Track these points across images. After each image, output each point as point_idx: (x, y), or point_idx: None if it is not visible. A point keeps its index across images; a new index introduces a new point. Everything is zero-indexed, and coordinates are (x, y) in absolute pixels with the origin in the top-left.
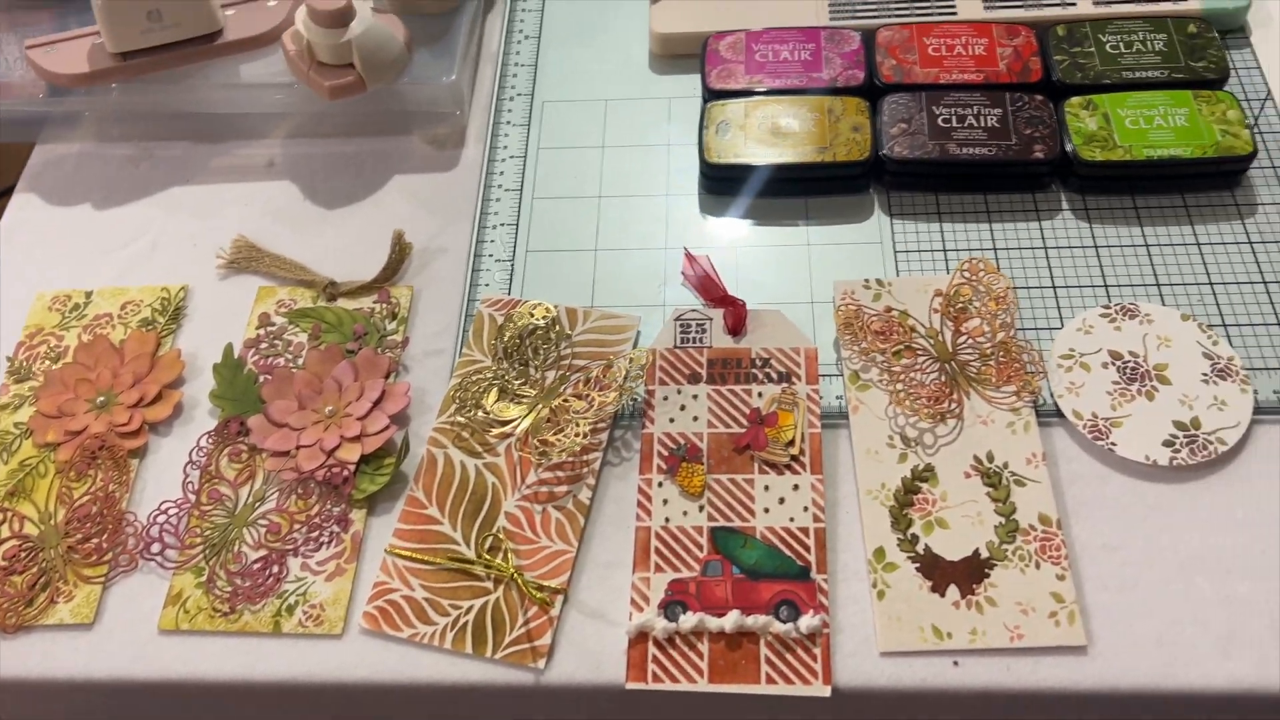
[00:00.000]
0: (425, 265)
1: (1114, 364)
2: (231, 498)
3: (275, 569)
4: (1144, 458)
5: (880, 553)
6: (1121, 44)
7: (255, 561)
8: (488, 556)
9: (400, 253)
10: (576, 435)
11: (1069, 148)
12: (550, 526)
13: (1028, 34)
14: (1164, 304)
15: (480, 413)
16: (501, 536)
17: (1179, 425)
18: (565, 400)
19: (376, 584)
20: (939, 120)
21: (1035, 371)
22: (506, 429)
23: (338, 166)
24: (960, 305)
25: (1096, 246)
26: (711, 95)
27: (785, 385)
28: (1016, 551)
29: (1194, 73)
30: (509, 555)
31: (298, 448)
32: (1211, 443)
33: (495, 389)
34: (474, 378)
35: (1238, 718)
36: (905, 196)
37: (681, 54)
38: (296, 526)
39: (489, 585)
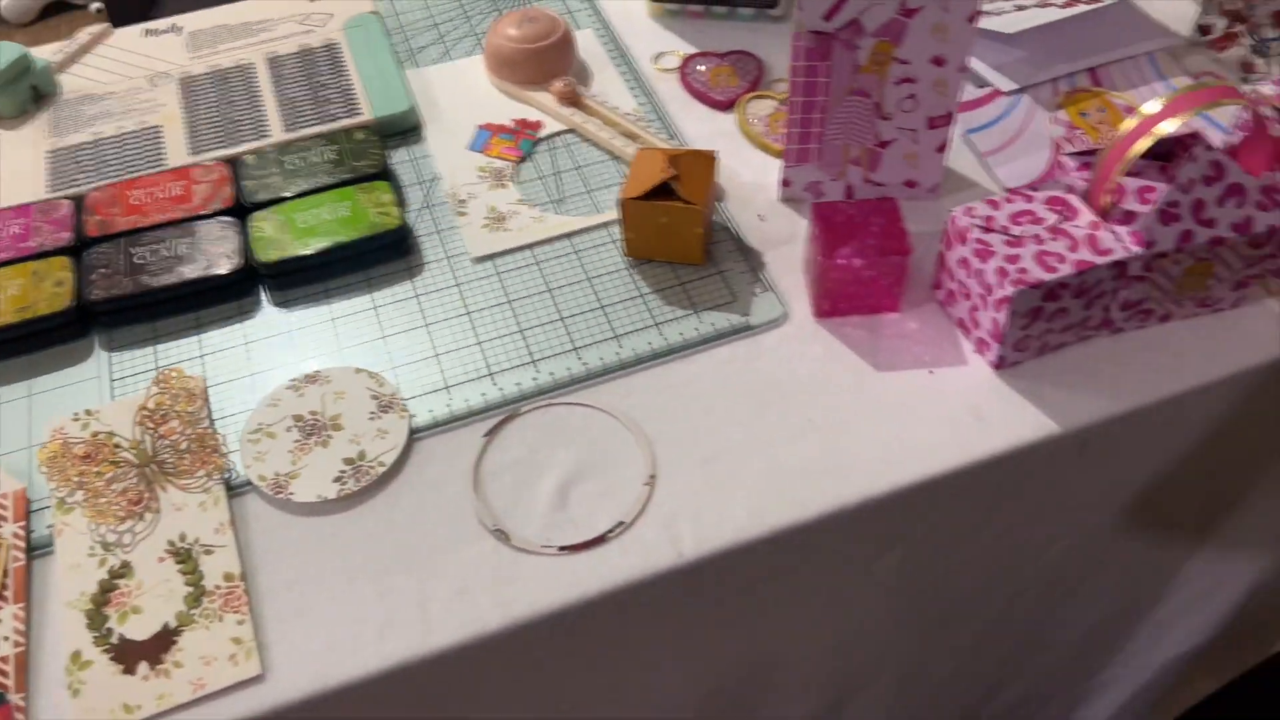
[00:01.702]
0: None
1: (296, 426)
2: None
3: None
4: (316, 497)
5: (76, 655)
6: (300, 161)
7: None
8: None
9: None
10: None
11: (252, 255)
12: None
13: (223, 168)
14: (344, 364)
15: None
16: None
17: (348, 461)
18: None
19: None
20: (135, 259)
21: (224, 453)
22: None
23: None
24: (161, 413)
25: (292, 330)
26: None
27: None
28: (204, 613)
29: (358, 171)
30: None
31: None
32: (373, 467)
33: None
34: None
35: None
36: (124, 331)
37: None
38: None
39: None
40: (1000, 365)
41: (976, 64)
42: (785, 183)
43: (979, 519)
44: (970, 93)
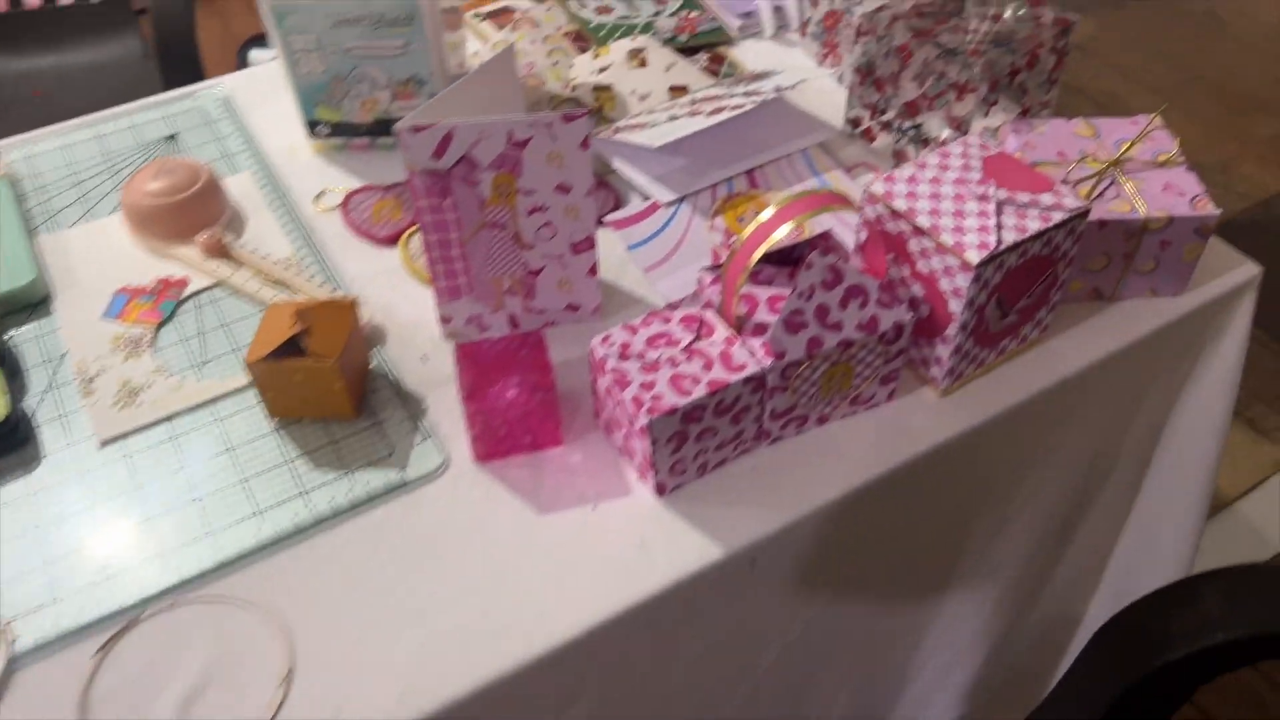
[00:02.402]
0: None
1: None
2: None
3: None
4: None
5: None
6: None
7: None
8: None
9: None
10: None
11: None
12: None
13: None
14: None
15: None
16: None
17: None
18: None
19: None
20: None
21: None
22: None
23: None
24: None
25: None
26: None
27: None
28: None
29: None
30: None
31: None
32: None
33: None
34: None
35: None
36: None
37: None
38: None
39: None
40: (662, 491)
41: (637, 177)
42: (444, 319)
43: (665, 650)
44: (635, 205)
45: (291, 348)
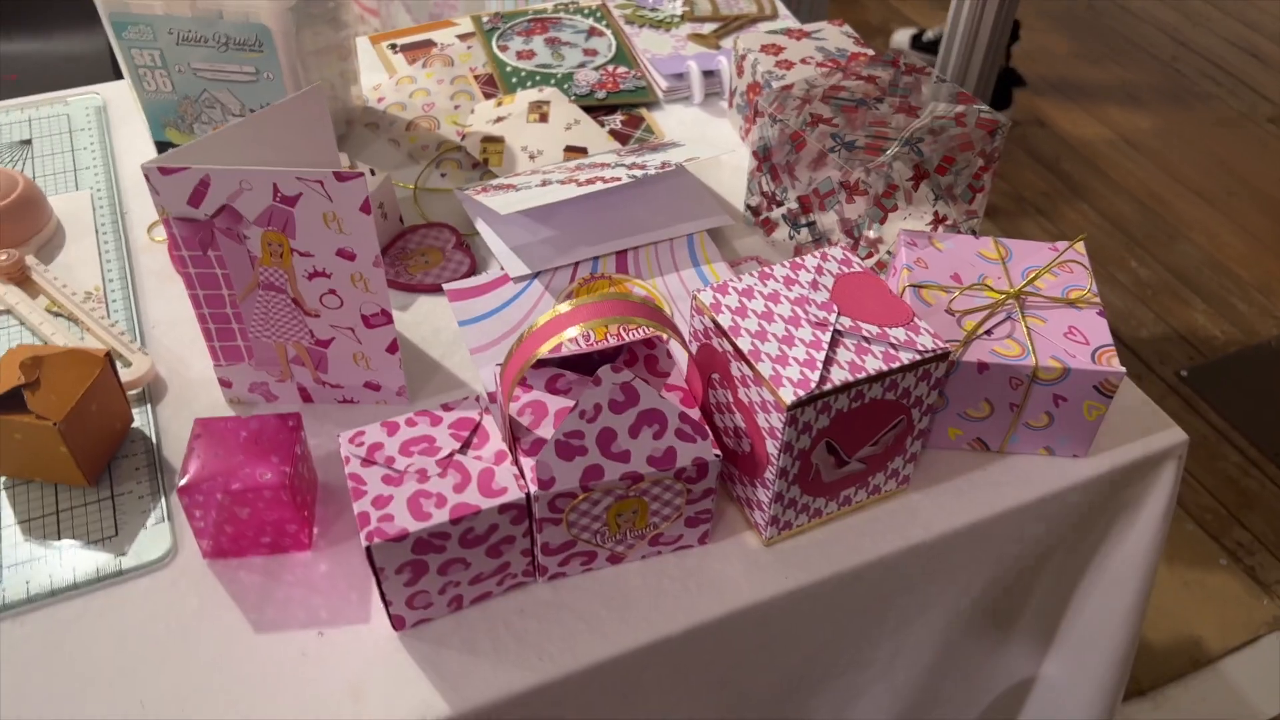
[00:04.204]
0: None
1: None
2: None
3: None
4: None
5: None
6: None
7: None
8: None
9: None
10: None
11: None
12: None
13: None
14: None
15: None
16: None
17: None
18: None
19: None
20: None
21: None
22: None
23: None
24: None
25: None
26: None
27: None
28: None
29: None
30: None
31: None
32: None
33: None
34: None
35: None
36: None
37: None
38: None
39: None
40: (399, 626)
41: (495, 244)
42: (224, 383)
43: None
44: (486, 275)
45: (16, 402)
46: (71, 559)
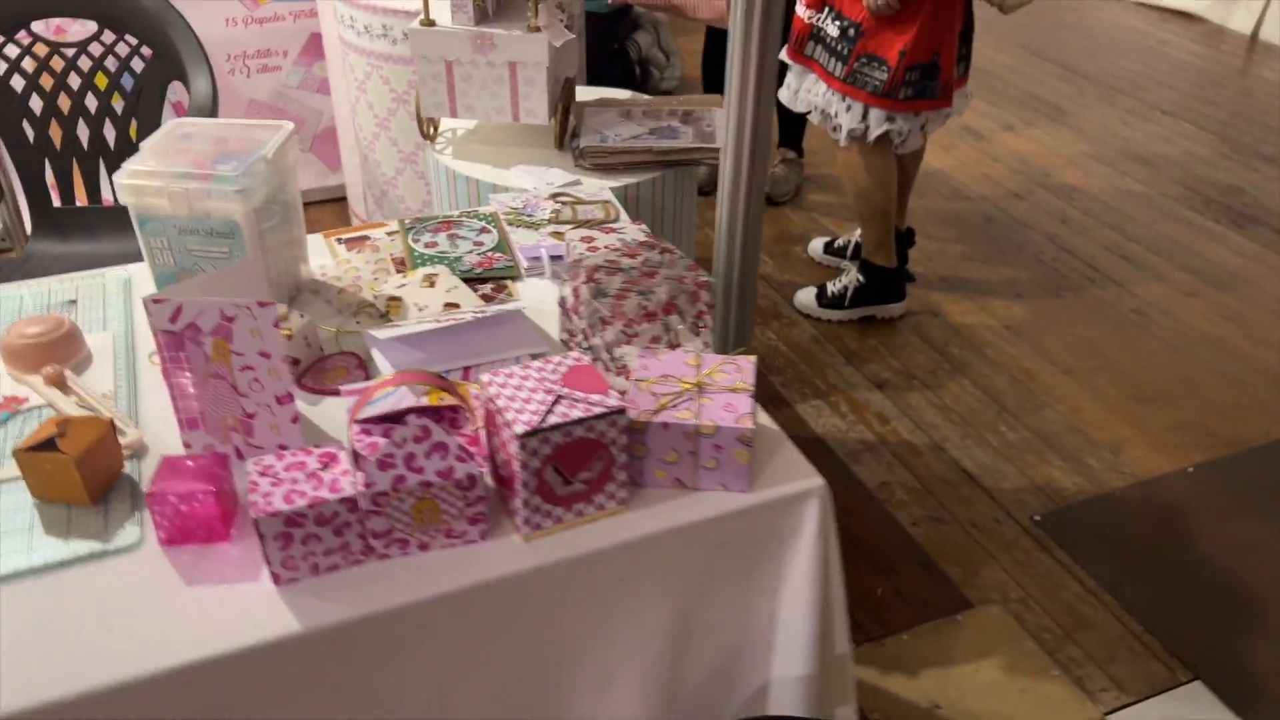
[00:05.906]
0: None
1: None
2: None
3: None
4: None
5: None
6: None
7: None
8: None
9: None
10: None
11: None
12: None
13: None
14: None
15: None
16: None
17: None
18: None
19: None
20: None
21: None
22: None
23: None
24: None
25: None
26: None
27: None
28: None
29: None
30: None
31: None
32: None
33: None
34: None
35: None
36: None
37: None
38: None
39: None
40: (277, 581)
41: (382, 364)
42: (186, 445)
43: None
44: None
45: (50, 445)
46: (76, 546)
